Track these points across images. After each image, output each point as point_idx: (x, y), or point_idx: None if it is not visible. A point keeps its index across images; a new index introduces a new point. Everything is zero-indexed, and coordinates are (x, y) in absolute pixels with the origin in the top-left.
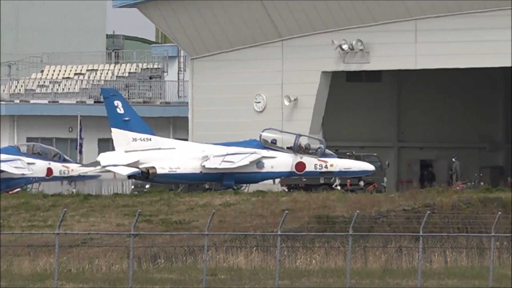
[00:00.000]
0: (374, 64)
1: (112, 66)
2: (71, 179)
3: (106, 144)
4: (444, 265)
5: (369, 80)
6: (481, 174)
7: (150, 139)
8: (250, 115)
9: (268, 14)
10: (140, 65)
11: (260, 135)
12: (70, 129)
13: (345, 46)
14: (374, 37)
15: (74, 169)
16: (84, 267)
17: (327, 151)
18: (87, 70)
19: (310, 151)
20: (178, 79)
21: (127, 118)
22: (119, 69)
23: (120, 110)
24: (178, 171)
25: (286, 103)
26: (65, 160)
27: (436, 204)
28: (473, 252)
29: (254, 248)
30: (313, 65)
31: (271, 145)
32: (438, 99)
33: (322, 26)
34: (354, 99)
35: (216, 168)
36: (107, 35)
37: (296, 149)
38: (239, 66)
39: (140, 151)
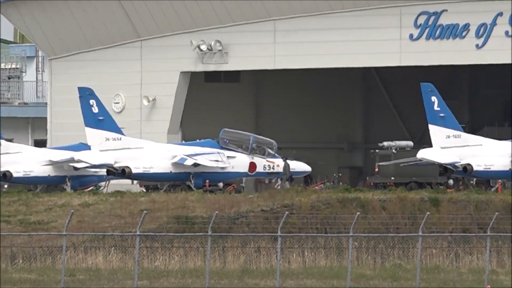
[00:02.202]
0: (233, 64)
1: None
2: None
3: None
4: (303, 265)
5: (227, 81)
6: (339, 174)
7: (120, 139)
8: None
9: (126, 14)
10: None
11: (219, 135)
12: None
13: (203, 47)
14: (232, 37)
15: None
16: None
17: (271, 151)
18: None
19: (258, 152)
20: (37, 79)
21: (101, 118)
22: None
23: (95, 109)
24: (152, 171)
25: (145, 103)
26: None
27: (294, 204)
28: (332, 252)
29: (113, 248)
30: (172, 66)
31: (228, 145)
32: (297, 100)
33: (181, 27)
34: (213, 100)
35: (187, 167)
36: None
37: (251, 149)
38: (98, 66)
39: (114, 151)
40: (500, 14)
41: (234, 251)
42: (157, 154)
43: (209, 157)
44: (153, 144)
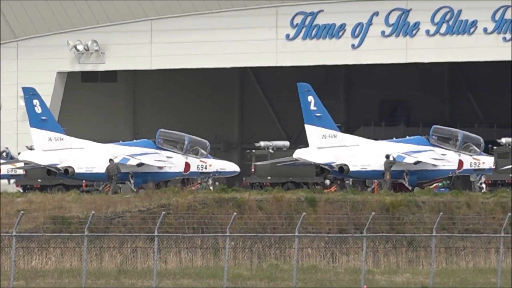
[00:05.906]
0: (110, 64)
1: None
2: None
3: None
4: (179, 265)
5: (104, 80)
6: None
7: (62, 139)
8: None
9: (3, 14)
10: None
11: (156, 135)
12: None
13: (80, 47)
14: (109, 37)
15: None
16: None
17: (203, 152)
18: None
19: (191, 152)
20: None
21: (44, 118)
22: None
23: (38, 110)
24: (94, 171)
25: (22, 103)
26: None
27: (171, 204)
28: (208, 252)
29: None
30: (49, 66)
31: (163, 145)
32: (175, 100)
33: (57, 27)
34: (90, 99)
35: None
36: None
37: (186, 149)
38: None
39: (57, 151)
40: (376, 14)
41: (111, 251)
42: (98, 154)
43: (153, 157)
44: (93, 144)
